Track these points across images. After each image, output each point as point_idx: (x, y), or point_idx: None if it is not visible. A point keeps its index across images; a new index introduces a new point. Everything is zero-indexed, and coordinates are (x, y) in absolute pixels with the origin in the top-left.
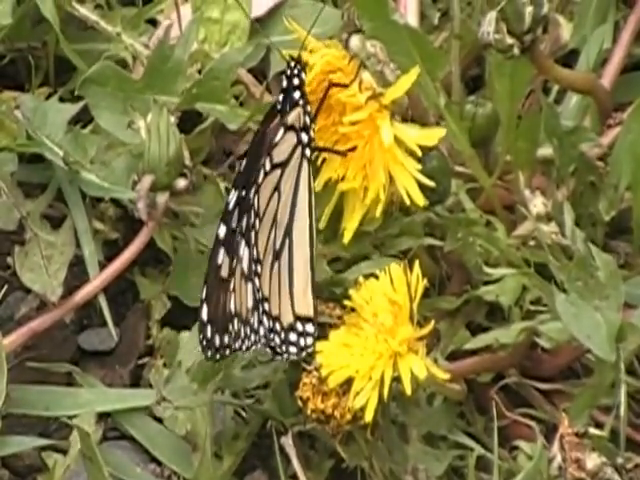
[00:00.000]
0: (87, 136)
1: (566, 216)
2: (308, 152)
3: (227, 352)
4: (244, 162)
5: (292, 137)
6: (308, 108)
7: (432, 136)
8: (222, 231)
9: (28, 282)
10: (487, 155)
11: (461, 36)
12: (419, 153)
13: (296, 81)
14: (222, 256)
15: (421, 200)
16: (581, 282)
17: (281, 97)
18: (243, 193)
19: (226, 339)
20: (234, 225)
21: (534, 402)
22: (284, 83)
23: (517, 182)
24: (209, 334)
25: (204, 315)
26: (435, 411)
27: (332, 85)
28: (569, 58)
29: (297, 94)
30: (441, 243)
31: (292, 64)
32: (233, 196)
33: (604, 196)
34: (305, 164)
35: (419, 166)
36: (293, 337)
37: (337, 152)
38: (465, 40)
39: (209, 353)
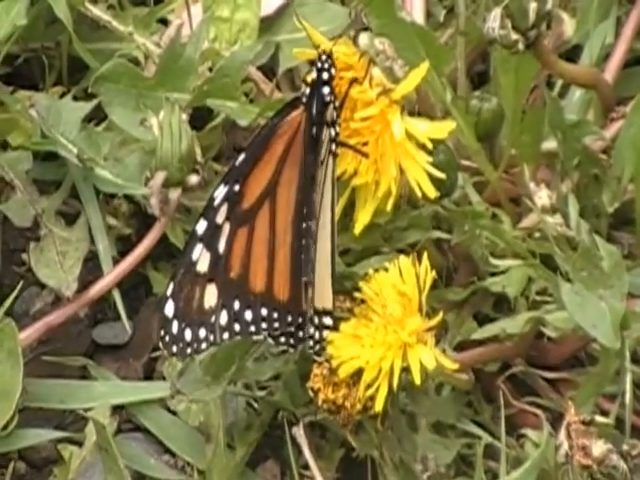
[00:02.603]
0: (100, 133)
1: (571, 208)
2: (334, 147)
3: (203, 345)
4: (243, 155)
5: (327, 133)
6: (336, 103)
7: (442, 129)
8: (201, 227)
9: (43, 278)
10: (492, 149)
11: (466, 33)
12: (430, 146)
13: (325, 75)
14: (199, 252)
15: (432, 192)
16: (586, 272)
17: (308, 90)
18: (236, 187)
19: (202, 332)
20: (219, 221)
21: (540, 391)
22: (313, 74)
23: (522, 175)
24: (175, 330)
25: (169, 311)
26: (443, 400)
27: (353, 82)
28: (572, 53)
29: (327, 89)
30: (448, 236)
31: (323, 57)
32: (222, 191)
33: (607, 188)
34: (331, 159)
35: (430, 159)
36: (310, 330)
37: (359, 151)
38: (470, 37)
39: (174, 348)
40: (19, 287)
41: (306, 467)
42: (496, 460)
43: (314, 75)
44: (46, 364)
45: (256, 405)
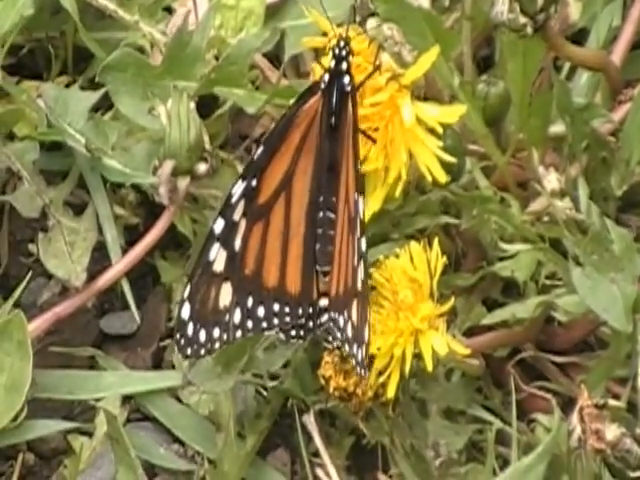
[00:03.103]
0: (108, 123)
1: (581, 191)
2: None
3: (216, 345)
4: (261, 147)
5: (349, 123)
6: (355, 93)
7: (453, 113)
8: (219, 226)
9: (52, 268)
10: (500, 133)
11: (472, 17)
12: (440, 131)
13: (345, 65)
14: (216, 251)
15: (443, 177)
16: (596, 256)
17: (326, 77)
18: (253, 183)
19: (216, 332)
20: (236, 218)
21: (550, 375)
22: (332, 63)
23: (530, 159)
24: (190, 332)
25: (185, 314)
26: (454, 386)
27: (377, 69)
28: (579, 36)
29: (346, 79)
30: (457, 221)
31: (341, 44)
32: (239, 187)
33: (616, 171)
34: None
35: (440, 143)
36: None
37: (370, 137)
38: (476, 21)
39: (189, 351)
40: (27, 278)
41: (316, 455)
42: (507, 445)
43: (332, 63)
44: (54, 355)
45: (266, 393)
